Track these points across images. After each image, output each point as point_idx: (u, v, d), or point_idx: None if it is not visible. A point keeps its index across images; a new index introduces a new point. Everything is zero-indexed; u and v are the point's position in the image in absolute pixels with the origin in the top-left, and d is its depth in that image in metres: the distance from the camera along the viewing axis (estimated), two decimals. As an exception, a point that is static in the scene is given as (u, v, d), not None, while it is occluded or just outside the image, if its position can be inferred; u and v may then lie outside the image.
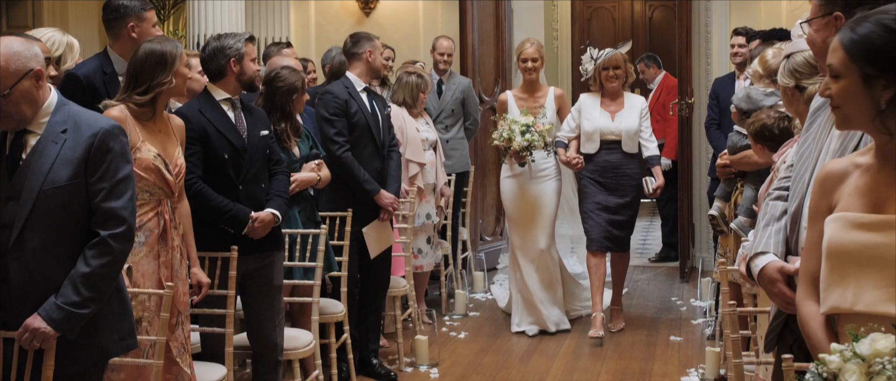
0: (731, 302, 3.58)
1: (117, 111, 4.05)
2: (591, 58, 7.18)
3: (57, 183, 3.32)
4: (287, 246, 5.26)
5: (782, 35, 6.40)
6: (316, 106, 6.04)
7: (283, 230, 5.12)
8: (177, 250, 4.20)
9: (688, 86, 9.02)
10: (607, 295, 7.52)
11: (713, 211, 5.54)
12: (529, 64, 7.26)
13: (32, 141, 3.37)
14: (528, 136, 6.91)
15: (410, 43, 9.79)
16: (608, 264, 7.45)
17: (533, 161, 7.08)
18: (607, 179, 7.15)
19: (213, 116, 4.76)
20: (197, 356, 4.55)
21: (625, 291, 7.74)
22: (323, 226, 5.46)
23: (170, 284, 3.92)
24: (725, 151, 5.50)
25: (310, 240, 5.37)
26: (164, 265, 4.14)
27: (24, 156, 3.36)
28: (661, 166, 7.36)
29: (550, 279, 7.28)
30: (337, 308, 5.67)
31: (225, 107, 4.83)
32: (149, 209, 4.11)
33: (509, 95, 7.39)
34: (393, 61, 8.20)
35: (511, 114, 7.14)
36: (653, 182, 7.19)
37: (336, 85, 6.09)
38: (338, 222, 5.82)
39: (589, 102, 7.21)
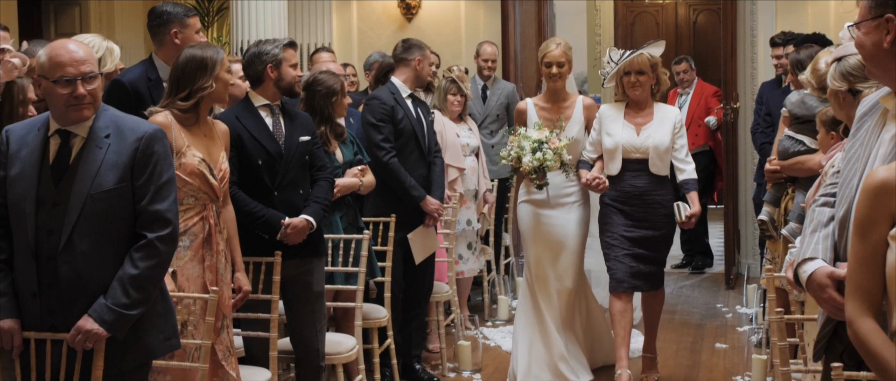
0: (779, 309, 3.53)
1: (162, 117, 4.08)
2: (611, 60, 5.99)
3: (104, 187, 3.38)
4: (330, 251, 5.27)
5: (819, 40, 6.32)
6: (362, 112, 6.04)
7: (326, 236, 5.13)
8: (221, 254, 4.22)
9: (733, 90, 8.93)
10: (637, 338, 6.43)
11: (763, 216, 5.46)
12: (553, 69, 5.99)
13: (76, 147, 3.42)
14: (539, 154, 5.76)
15: (452, 48, 9.81)
16: (638, 303, 6.34)
17: (547, 183, 5.89)
18: (633, 208, 5.90)
19: (249, 122, 4.77)
20: (240, 360, 4.57)
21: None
22: (366, 231, 5.47)
23: (215, 288, 3.94)
24: (773, 156, 5.43)
25: (352, 245, 5.37)
26: (209, 270, 4.16)
27: (68, 162, 3.41)
28: (697, 192, 6.02)
29: (573, 326, 6.09)
30: (380, 314, 5.67)
31: (263, 113, 4.83)
32: (194, 214, 4.13)
33: (529, 104, 6.16)
34: (438, 67, 8.21)
35: (529, 126, 6.00)
36: (686, 209, 5.85)
37: (382, 91, 6.09)
38: (381, 227, 5.82)
39: (610, 114, 5.97)
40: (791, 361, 3.58)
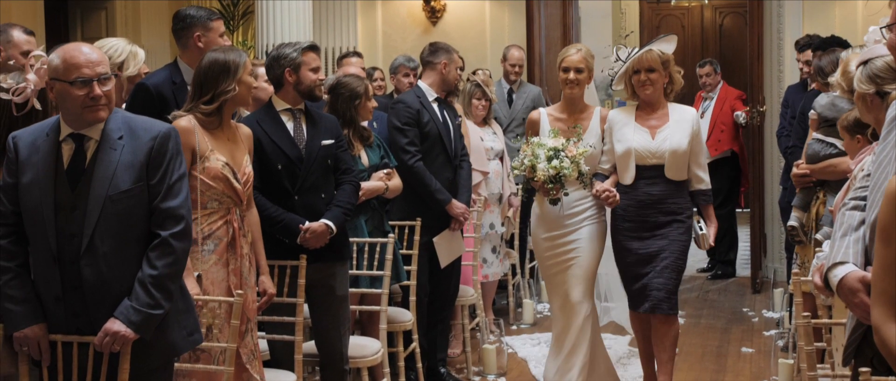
0: (806, 313, 3.50)
1: (185, 121, 4.08)
2: (618, 59, 5.55)
3: (121, 188, 3.39)
4: (355, 255, 5.26)
5: (839, 42, 6.27)
6: (388, 115, 6.04)
7: (351, 239, 5.12)
8: (246, 257, 4.22)
9: (759, 93, 8.87)
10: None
11: (792, 222, 5.37)
12: (571, 74, 5.53)
13: (90, 150, 3.44)
14: (555, 163, 5.28)
15: (477, 51, 9.80)
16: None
17: (566, 194, 5.40)
18: (647, 218, 5.42)
19: (269, 127, 4.76)
20: (265, 363, 4.57)
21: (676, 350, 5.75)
22: (391, 235, 5.46)
23: (239, 291, 3.94)
24: (801, 160, 5.38)
25: (377, 249, 5.37)
26: (233, 273, 4.16)
27: (84, 165, 3.42)
28: (712, 206, 5.62)
29: (576, 339, 5.53)
30: (405, 317, 5.66)
31: (284, 117, 4.82)
32: (218, 218, 4.14)
33: (543, 114, 5.68)
34: (463, 70, 8.20)
35: (543, 135, 5.55)
36: (706, 232, 5.47)
37: (408, 94, 6.10)
38: (407, 231, 5.82)
39: (620, 118, 5.51)
40: (818, 365, 3.55)
